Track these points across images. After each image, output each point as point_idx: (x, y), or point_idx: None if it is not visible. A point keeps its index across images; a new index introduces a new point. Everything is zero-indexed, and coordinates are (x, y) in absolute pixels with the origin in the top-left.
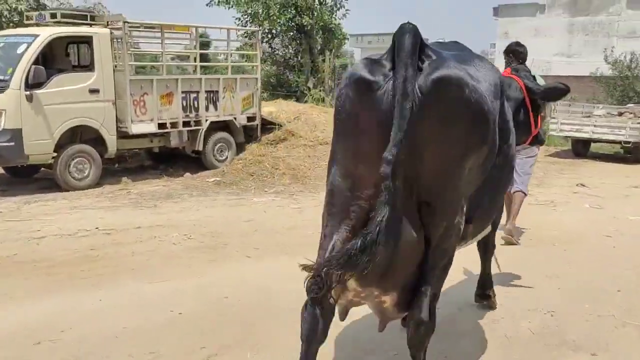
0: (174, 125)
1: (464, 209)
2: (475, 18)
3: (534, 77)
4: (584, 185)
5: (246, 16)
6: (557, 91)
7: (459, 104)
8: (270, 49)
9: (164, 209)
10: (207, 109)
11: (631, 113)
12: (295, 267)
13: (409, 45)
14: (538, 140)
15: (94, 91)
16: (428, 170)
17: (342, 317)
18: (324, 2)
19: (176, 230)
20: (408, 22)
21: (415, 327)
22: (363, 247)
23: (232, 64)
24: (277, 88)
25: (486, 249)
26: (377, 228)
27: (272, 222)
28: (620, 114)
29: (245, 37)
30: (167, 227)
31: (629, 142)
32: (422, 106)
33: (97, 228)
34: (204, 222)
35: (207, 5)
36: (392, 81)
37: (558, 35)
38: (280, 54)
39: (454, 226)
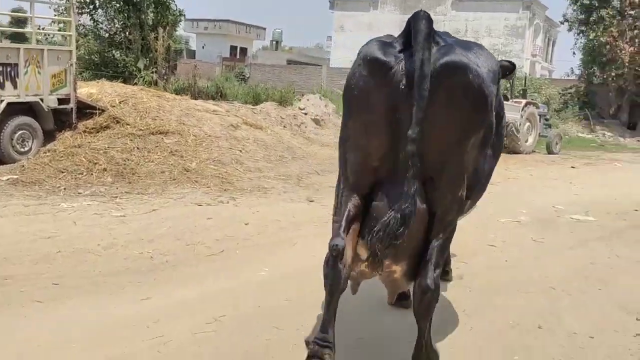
0: None
1: (466, 184)
2: (313, 10)
3: None
4: None
5: None
6: (505, 69)
7: (463, 87)
8: (92, 22)
9: None
10: (2, 86)
11: None
12: (114, 316)
13: (425, 30)
14: None
15: None
16: (433, 148)
17: (355, 290)
18: None
19: None
20: (422, 10)
21: (421, 295)
22: (403, 220)
23: (37, 31)
24: (101, 67)
25: None
26: (411, 201)
27: (83, 238)
28: None
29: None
30: None
31: None
32: (430, 89)
33: None
34: None
35: None
36: (403, 62)
37: (390, 31)
38: (105, 28)
39: (457, 200)
